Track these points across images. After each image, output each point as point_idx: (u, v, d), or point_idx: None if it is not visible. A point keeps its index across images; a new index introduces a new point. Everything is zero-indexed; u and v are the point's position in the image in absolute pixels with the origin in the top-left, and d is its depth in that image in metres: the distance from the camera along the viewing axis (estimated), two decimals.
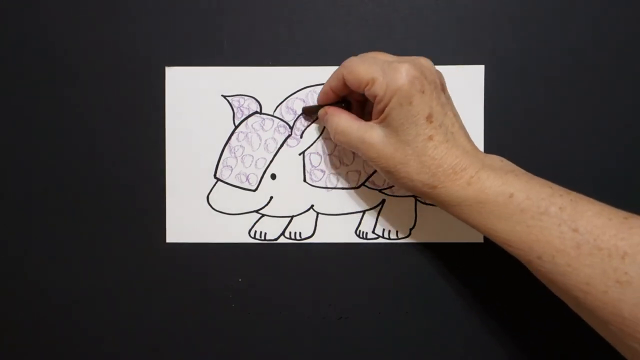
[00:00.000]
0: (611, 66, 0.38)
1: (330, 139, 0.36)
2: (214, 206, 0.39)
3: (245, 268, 0.39)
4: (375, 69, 0.31)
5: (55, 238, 0.39)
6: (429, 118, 0.30)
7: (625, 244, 0.25)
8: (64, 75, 0.38)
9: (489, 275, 0.38)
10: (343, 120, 0.33)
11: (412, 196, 0.38)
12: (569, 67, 0.38)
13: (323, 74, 0.38)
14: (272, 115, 0.38)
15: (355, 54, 0.37)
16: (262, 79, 0.38)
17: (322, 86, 0.38)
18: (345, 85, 0.33)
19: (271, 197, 0.39)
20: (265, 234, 0.39)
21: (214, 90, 0.38)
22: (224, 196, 0.38)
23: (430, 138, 0.30)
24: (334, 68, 0.38)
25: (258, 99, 0.38)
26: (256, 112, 0.38)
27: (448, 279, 0.38)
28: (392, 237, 0.38)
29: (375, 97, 0.31)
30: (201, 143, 0.38)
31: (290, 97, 0.38)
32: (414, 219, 0.38)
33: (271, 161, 0.38)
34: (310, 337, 0.39)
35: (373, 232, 0.39)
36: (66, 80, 0.38)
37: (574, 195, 0.28)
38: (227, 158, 0.38)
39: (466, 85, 0.38)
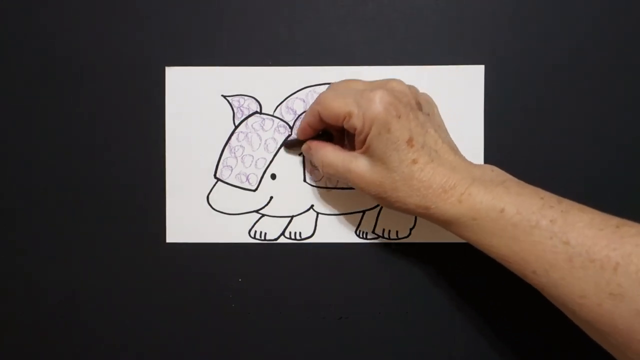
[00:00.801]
0: (611, 66, 0.38)
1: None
2: (214, 206, 0.39)
3: (245, 268, 0.39)
4: (349, 102, 0.31)
5: (55, 238, 0.39)
6: (410, 142, 0.30)
7: (617, 255, 0.25)
8: (64, 75, 0.38)
9: (489, 276, 0.38)
10: (329, 153, 0.33)
11: None
12: (569, 67, 0.38)
13: (323, 74, 0.38)
14: (272, 115, 0.38)
15: (355, 54, 0.37)
16: (262, 79, 0.38)
17: (322, 86, 0.38)
18: (321, 120, 0.33)
19: (271, 197, 0.39)
20: (265, 234, 0.39)
21: (214, 90, 0.38)
22: (224, 196, 0.38)
23: (415, 161, 0.30)
24: (334, 68, 0.38)
25: (258, 99, 0.38)
26: (256, 112, 0.38)
27: (448, 279, 0.38)
28: (392, 237, 0.38)
29: (354, 129, 0.31)
30: (201, 143, 0.38)
31: (290, 97, 0.38)
32: (414, 219, 0.38)
33: (271, 161, 0.38)
34: (310, 337, 0.39)
35: (373, 232, 0.39)
36: (66, 80, 0.38)
37: (565, 204, 0.28)
38: (227, 158, 0.38)
39: (466, 85, 0.38)
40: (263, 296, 0.39)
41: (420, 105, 0.32)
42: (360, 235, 0.39)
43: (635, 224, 0.27)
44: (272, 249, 0.39)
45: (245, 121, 0.38)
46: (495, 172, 0.31)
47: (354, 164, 0.32)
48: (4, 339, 0.39)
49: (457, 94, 0.38)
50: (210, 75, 0.38)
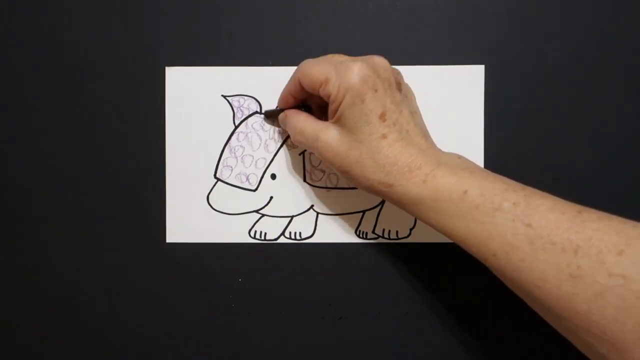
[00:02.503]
0: (611, 66, 0.38)
1: None
2: (214, 206, 0.39)
3: (245, 268, 0.39)
4: (328, 69, 0.31)
5: (55, 238, 0.39)
6: (382, 116, 0.30)
7: (579, 238, 0.25)
8: (64, 75, 0.38)
9: (489, 275, 0.38)
10: (301, 120, 0.33)
11: None
12: (569, 67, 0.38)
13: None
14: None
15: (356, 54, 0.37)
16: (262, 79, 0.38)
17: None
18: (302, 88, 0.33)
19: (271, 197, 0.39)
20: (265, 234, 0.39)
21: (214, 90, 0.38)
22: (224, 196, 0.38)
23: (384, 136, 0.30)
24: None
25: (258, 99, 0.38)
26: (256, 112, 0.38)
27: (448, 279, 0.38)
28: (392, 237, 0.38)
29: (329, 96, 0.31)
30: (201, 143, 0.38)
31: None
32: (414, 219, 0.38)
33: (271, 161, 0.38)
34: (310, 337, 0.39)
35: (373, 232, 0.39)
36: (66, 80, 0.38)
37: (529, 190, 0.28)
38: (227, 158, 0.38)
39: (466, 85, 0.38)
40: (263, 296, 0.39)
41: (400, 86, 0.32)
42: (360, 235, 0.39)
43: (597, 211, 0.27)
44: (272, 249, 0.39)
45: (245, 121, 0.38)
46: (462, 159, 0.31)
47: (323, 132, 0.32)
48: (4, 339, 0.39)
49: (457, 94, 0.38)
50: (210, 75, 0.38)
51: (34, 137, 0.39)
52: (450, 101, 0.38)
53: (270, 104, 0.38)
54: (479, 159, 0.38)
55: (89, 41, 0.38)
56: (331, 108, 0.31)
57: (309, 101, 0.35)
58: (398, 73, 0.33)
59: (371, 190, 0.31)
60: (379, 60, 0.31)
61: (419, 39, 0.38)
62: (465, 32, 0.38)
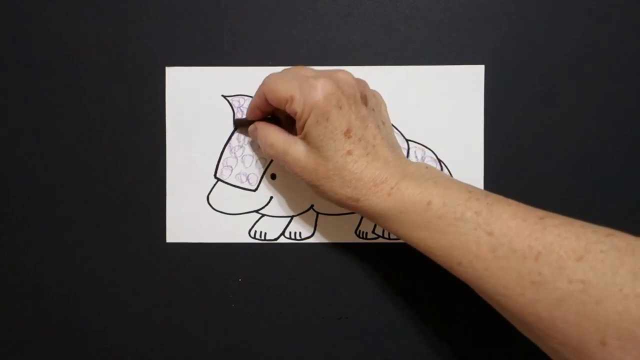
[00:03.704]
0: (612, 66, 0.38)
1: None
2: (214, 206, 0.39)
3: (245, 268, 0.39)
4: (292, 86, 0.31)
5: (55, 238, 0.39)
6: (347, 133, 0.30)
7: (539, 244, 0.25)
8: (64, 75, 0.38)
9: None
10: (270, 134, 0.34)
11: None
12: (569, 67, 0.38)
13: None
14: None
15: (355, 54, 0.38)
16: (262, 79, 0.38)
17: None
18: (268, 102, 0.33)
19: (271, 197, 0.39)
20: (265, 234, 0.39)
21: (214, 90, 0.38)
22: (224, 196, 0.38)
23: (349, 153, 0.30)
24: (334, 68, 0.38)
25: None
26: None
27: (448, 279, 0.38)
28: (392, 237, 0.38)
29: (295, 114, 0.31)
30: (201, 143, 0.38)
31: None
32: None
33: (271, 161, 0.38)
34: (310, 337, 0.39)
35: (373, 232, 0.39)
36: (66, 80, 0.38)
37: (492, 198, 0.28)
38: (227, 158, 0.38)
39: (466, 85, 0.38)
40: (263, 296, 0.39)
41: (366, 99, 0.32)
42: (360, 235, 0.39)
43: (559, 216, 0.27)
44: (272, 249, 0.39)
45: None
46: (429, 169, 0.31)
47: (292, 147, 0.32)
48: (4, 339, 0.39)
49: (457, 94, 0.38)
50: (210, 75, 0.38)
51: (34, 137, 0.39)
52: (450, 101, 0.38)
53: None
54: (479, 159, 0.38)
55: (89, 41, 0.38)
56: (298, 125, 0.32)
57: (277, 113, 0.35)
58: (364, 85, 0.33)
59: (340, 204, 0.32)
60: (343, 76, 0.31)
61: (419, 39, 0.38)
62: (465, 32, 0.38)
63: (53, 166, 0.39)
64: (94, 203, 0.39)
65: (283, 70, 0.35)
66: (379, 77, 0.38)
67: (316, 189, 0.32)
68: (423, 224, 0.29)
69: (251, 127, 0.36)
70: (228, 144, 0.38)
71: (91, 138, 0.38)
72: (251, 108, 0.36)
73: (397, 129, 0.38)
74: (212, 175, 0.39)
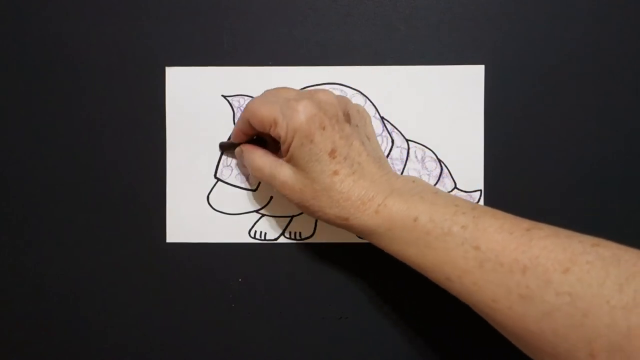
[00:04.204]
0: (612, 66, 0.38)
1: None
2: (214, 206, 0.39)
3: (245, 268, 0.39)
4: (274, 110, 0.31)
5: (55, 238, 0.39)
6: (332, 153, 0.30)
7: (525, 257, 0.25)
8: (64, 75, 0.38)
9: None
10: (257, 158, 0.34)
11: None
12: (569, 67, 0.38)
13: (323, 74, 0.38)
14: None
15: (355, 54, 0.37)
16: (262, 79, 0.38)
17: (322, 86, 0.38)
18: (252, 126, 0.33)
19: (271, 197, 0.39)
20: (265, 234, 0.39)
21: (214, 90, 0.38)
22: (224, 196, 0.38)
23: (336, 173, 0.30)
24: (334, 68, 0.38)
25: None
26: None
27: None
28: None
29: (279, 137, 0.31)
30: (201, 143, 0.38)
31: None
32: None
33: None
34: (310, 337, 0.39)
35: None
36: (66, 80, 0.38)
37: (479, 211, 0.28)
38: (227, 158, 0.38)
39: (466, 85, 0.38)
40: (263, 296, 0.39)
41: (348, 117, 0.32)
42: (360, 235, 0.39)
43: (547, 227, 0.27)
44: (272, 249, 0.39)
45: None
46: (417, 182, 0.32)
47: (278, 170, 0.32)
48: (4, 339, 0.39)
49: (457, 94, 0.38)
50: (210, 75, 0.38)
51: (34, 137, 0.39)
52: (450, 101, 0.38)
53: None
54: (479, 159, 0.38)
55: (89, 41, 0.38)
56: (283, 148, 0.32)
57: (262, 134, 0.35)
58: (346, 103, 0.33)
59: (330, 222, 0.32)
60: (324, 96, 0.32)
61: (419, 39, 0.38)
62: (465, 32, 0.38)
63: (53, 166, 0.38)
64: (94, 203, 0.39)
65: (264, 93, 0.35)
66: (379, 77, 0.38)
67: (306, 210, 0.32)
68: (411, 240, 0.29)
69: (237, 150, 0.36)
70: None
71: (91, 138, 0.38)
72: (235, 132, 0.36)
73: (397, 129, 0.38)
74: (212, 175, 0.39)
